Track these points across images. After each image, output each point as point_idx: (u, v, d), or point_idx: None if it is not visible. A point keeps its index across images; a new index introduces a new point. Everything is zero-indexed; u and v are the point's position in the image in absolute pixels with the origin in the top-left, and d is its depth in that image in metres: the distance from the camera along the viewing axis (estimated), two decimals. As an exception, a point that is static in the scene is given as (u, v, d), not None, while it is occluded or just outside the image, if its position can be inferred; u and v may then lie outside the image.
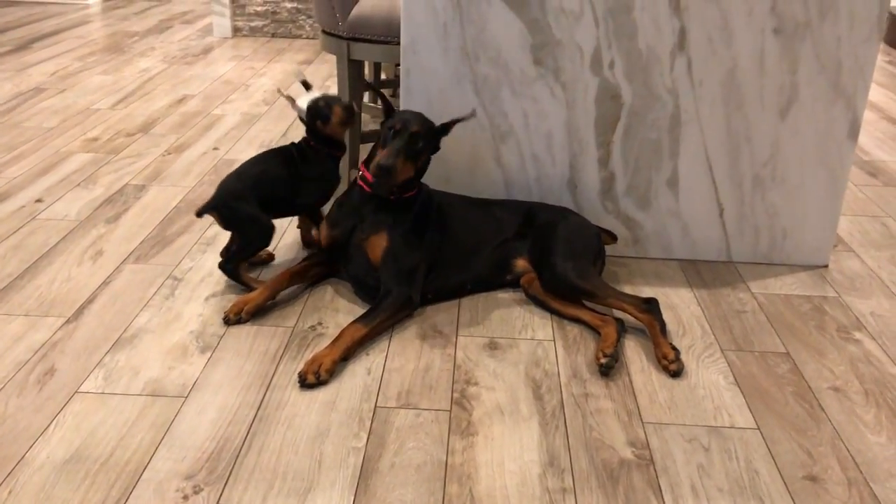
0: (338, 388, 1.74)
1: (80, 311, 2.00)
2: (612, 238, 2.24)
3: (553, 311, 2.05)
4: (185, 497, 1.42)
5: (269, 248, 2.28)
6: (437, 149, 2.09)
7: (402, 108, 2.22)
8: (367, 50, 2.58)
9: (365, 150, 2.80)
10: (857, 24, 2.12)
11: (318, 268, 2.14)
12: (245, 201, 2.07)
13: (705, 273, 2.31)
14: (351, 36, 2.57)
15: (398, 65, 3.52)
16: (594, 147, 2.27)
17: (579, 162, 2.29)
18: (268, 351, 1.86)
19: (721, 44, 2.15)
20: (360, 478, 1.48)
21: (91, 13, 6.18)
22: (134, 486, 1.44)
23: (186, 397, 1.69)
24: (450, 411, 1.67)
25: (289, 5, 5.46)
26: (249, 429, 1.60)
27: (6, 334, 1.90)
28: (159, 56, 4.82)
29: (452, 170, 2.33)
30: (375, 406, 1.68)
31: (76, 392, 1.69)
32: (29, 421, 1.60)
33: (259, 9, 5.45)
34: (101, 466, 1.49)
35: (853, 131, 2.23)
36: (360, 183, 2.06)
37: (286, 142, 3.28)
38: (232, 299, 2.05)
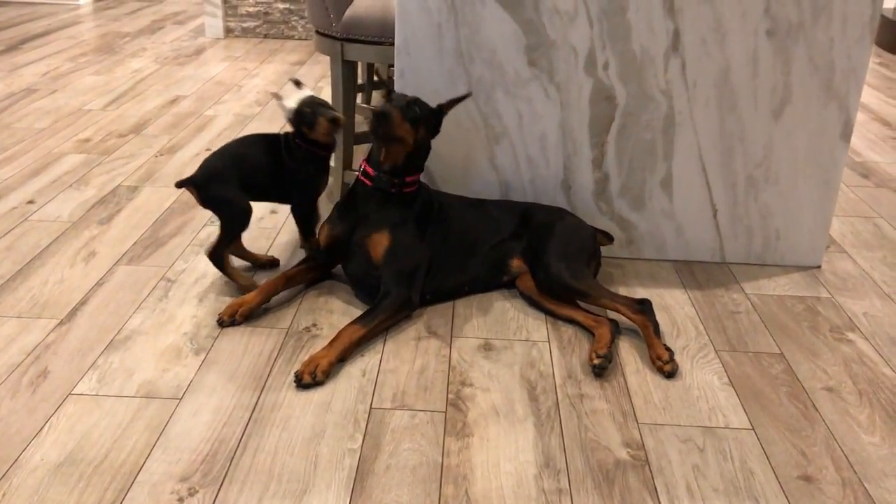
0: (333, 390, 1.73)
1: (73, 313, 1.99)
2: (609, 239, 2.24)
3: (547, 312, 2.05)
4: (181, 499, 1.42)
5: (273, 254, 2.28)
6: (436, 130, 2.08)
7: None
8: (360, 51, 2.57)
9: (360, 151, 2.79)
10: (849, 26, 2.13)
11: (313, 272, 2.14)
12: (223, 181, 2.06)
13: (699, 274, 2.32)
14: (344, 36, 2.57)
15: (392, 66, 3.52)
16: (588, 148, 2.27)
17: (573, 163, 2.29)
18: (262, 352, 1.86)
19: (714, 45, 2.15)
20: (355, 479, 1.48)
21: (82, 13, 6.16)
22: (128, 489, 1.43)
23: (181, 399, 1.68)
24: (445, 412, 1.67)
25: (281, 6, 5.45)
26: (244, 430, 1.60)
27: (-1, 336, 1.89)
28: (151, 57, 4.81)
29: (447, 171, 2.33)
30: (371, 407, 1.68)
31: (70, 394, 1.69)
32: (22, 423, 1.59)
33: (251, 9, 5.44)
34: (95, 469, 1.48)
35: (846, 132, 2.24)
36: (362, 178, 2.06)
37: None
38: (226, 301, 2.05)
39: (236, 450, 1.54)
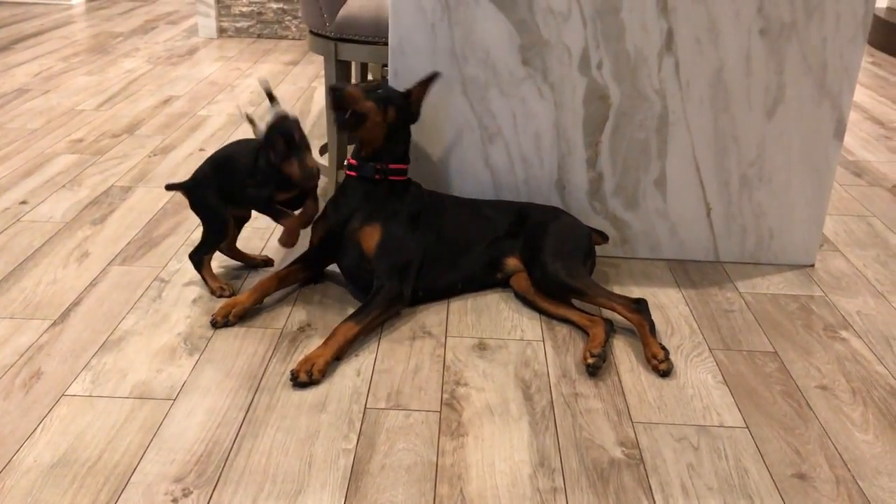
0: (327, 390, 1.73)
1: (66, 314, 1.99)
2: (604, 238, 2.24)
3: (542, 311, 2.06)
4: (175, 500, 1.41)
5: (267, 255, 2.28)
6: (412, 116, 2.09)
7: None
8: (354, 50, 2.57)
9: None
10: (842, 25, 2.13)
11: (305, 271, 2.14)
12: (207, 187, 2.07)
13: (693, 273, 2.32)
14: (338, 36, 2.56)
15: (385, 65, 3.51)
16: (582, 147, 2.27)
17: (567, 162, 2.30)
18: (256, 353, 1.85)
19: (708, 45, 2.16)
20: (350, 479, 1.48)
21: (75, 13, 6.14)
22: (122, 490, 1.43)
23: (175, 400, 1.68)
24: (440, 412, 1.67)
25: (274, 6, 5.44)
26: (239, 431, 1.59)
27: (-9, 337, 1.88)
28: (144, 57, 4.80)
29: (441, 171, 2.32)
30: (365, 407, 1.68)
31: (63, 395, 1.68)
32: (15, 425, 1.59)
33: (244, 9, 5.43)
34: (88, 470, 1.47)
35: (839, 131, 2.25)
36: (347, 171, 2.07)
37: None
38: (220, 301, 2.04)
39: (231, 450, 1.54)
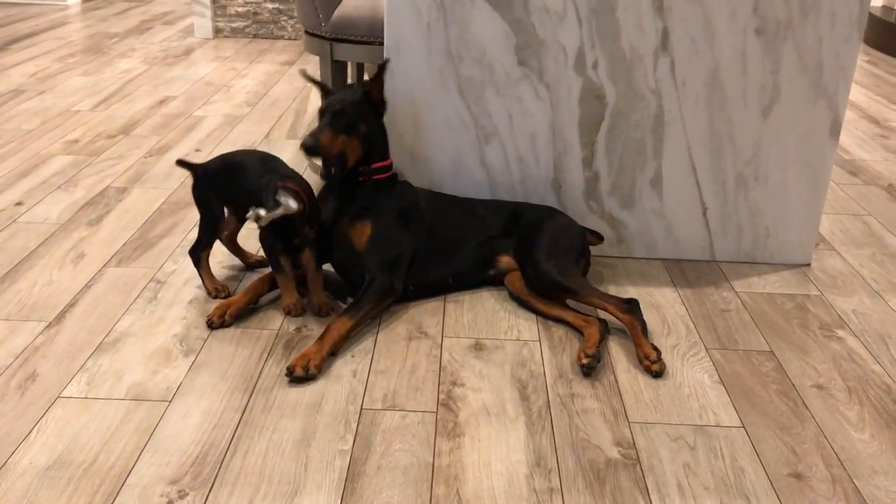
0: (323, 391, 1.73)
1: (61, 315, 1.98)
2: (599, 238, 2.24)
3: (537, 312, 2.05)
4: (171, 502, 1.41)
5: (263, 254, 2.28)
6: (379, 114, 2.06)
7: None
8: (350, 51, 2.57)
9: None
10: (837, 24, 2.13)
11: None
12: (210, 183, 2.07)
13: (689, 272, 2.32)
14: (334, 37, 2.56)
15: (381, 65, 3.51)
16: (578, 147, 2.27)
17: (563, 162, 2.29)
18: (252, 354, 1.85)
19: (704, 44, 2.16)
20: (346, 480, 1.48)
21: (70, 14, 6.13)
22: (118, 492, 1.43)
23: (170, 401, 1.68)
24: (436, 413, 1.67)
25: (270, 6, 5.43)
26: (234, 432, 1.59)
27: (-14, 339, 1.88)
28: (140, 57, 4.79)
29: (436, 171, 2.32)
30: (361, 408, 1.68)
31: (58, 397, 1.68)
32: (10, 427, 1.58)
33: (240, 9, 5.43)
34: (84, 472, 1.47)
35: (835, 130, 2.25)
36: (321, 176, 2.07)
37: (268, 143, 3.28)
38: (215, 303, 2.04)
39: (226, 452, 1.54)
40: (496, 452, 1.56)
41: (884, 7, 5.85)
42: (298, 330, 1.95)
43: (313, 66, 4.72)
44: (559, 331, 1.99)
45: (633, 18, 2.13)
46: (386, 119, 2.09)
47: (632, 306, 1.95)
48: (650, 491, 1.48)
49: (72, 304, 2.03)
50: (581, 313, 2.00)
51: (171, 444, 1.55)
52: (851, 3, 2.11)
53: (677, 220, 2.35)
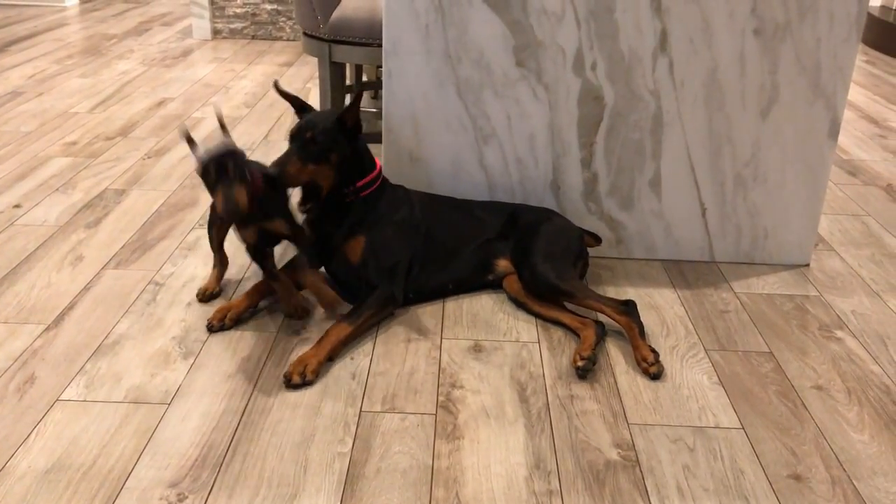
0: (322, 393, 1.73)
1: (60, 318, 1.98)
2: (597, 240, 2.24)
3: (534, 314, 2.05)
4: (169, 505, 1.41)
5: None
6: (353, 137, 1.98)
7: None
8: (348, 52, 2.57)
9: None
10: (836, 25, 2.13)
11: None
12: (208, 168, 2.01)
13: (688, 273, 2.32)
14: (332, 38, 2.56)
15: (380, 67, 3.51)
16: (577, 148, 2.27)
17: (562, 163, 2.29)
18: (251, 356, 1.85)
19: (702, 45, 2.16)
20: (345, 483, 1.47)
21: (68, 15, 6.12)
22: (117, 495, 1.42)
23: (169, 404, 1.67)
24: (435, 415, 1.67)
25: (269, 7, 5.43)
26: (234, 435, 1.59)
27: (-15, 342, 1.87)
28: (138, 58, 4.79)
29: (435, 173, 2.32)
30: (360, 410, 1.68)
31: (57, 400, 1.67)
32: (9, 430, 1.58)
33: (239, 10, 5.43)
34: (83, 475, 1.47)
35: (833, 131, 2.25)
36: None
37: (267, 145, 3.27)
38: (215, 304, 2.04)
39: (226, 455, 1.53)
40: (495, 454, 1.56)
41: (882, 7, 5.86)
42: (297, 332, 1.95)
43: (312, 66, 4.72)
44: (558, 332, 1.99)
45: (632, 19, 2.13)
46: (385, 120, 2.09)
47: (629, 308, 1.95)
48: (650, 493, 1.48)
49: (70, 307, 2.03)
50: (578, 315, 1.99)
51: (170, 447, 1.55)
52: (850, 3, 2.11)
53: (676, 220, 2.35)
